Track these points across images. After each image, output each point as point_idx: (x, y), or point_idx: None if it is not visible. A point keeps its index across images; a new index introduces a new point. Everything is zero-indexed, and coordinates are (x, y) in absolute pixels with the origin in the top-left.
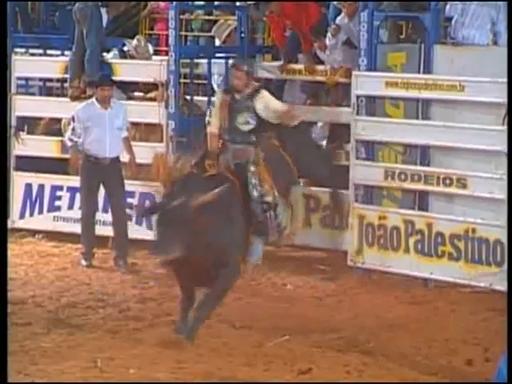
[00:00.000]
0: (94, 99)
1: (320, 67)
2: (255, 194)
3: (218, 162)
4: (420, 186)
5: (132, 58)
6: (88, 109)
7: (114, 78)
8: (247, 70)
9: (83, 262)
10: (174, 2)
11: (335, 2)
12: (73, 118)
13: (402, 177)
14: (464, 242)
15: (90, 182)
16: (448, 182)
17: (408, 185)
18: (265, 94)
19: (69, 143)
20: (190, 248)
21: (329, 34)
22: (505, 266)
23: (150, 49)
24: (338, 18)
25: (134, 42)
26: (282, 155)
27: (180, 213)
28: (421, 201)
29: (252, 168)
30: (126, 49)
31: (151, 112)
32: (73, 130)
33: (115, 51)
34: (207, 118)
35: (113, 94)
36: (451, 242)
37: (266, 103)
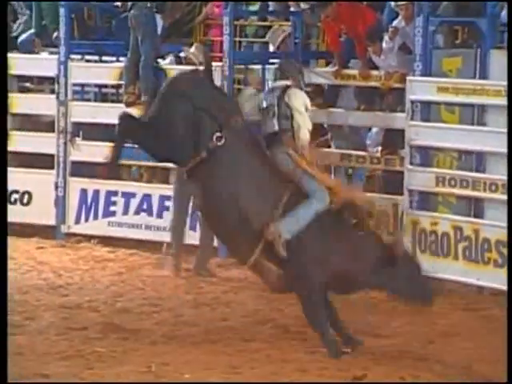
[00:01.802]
0: None
1: (374, 72)
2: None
3: None
4: (468, 192)
5: (189, 63)
6: None
7: None
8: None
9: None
10: (229, 8)
11: (392, 5)
12: None
13: (452, 182)
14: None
15: (182, 192)
16: (494, 187)
17: (457, 190)
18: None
19: None
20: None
21: (386, 37)
22: None
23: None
24: (395, 22)
25: (193, 48)
26: None
27: None
28: (475, 207)
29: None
30: (182, 55)
31: None
32: None
33: (171, 57)
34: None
35: None
36: (497, 249)
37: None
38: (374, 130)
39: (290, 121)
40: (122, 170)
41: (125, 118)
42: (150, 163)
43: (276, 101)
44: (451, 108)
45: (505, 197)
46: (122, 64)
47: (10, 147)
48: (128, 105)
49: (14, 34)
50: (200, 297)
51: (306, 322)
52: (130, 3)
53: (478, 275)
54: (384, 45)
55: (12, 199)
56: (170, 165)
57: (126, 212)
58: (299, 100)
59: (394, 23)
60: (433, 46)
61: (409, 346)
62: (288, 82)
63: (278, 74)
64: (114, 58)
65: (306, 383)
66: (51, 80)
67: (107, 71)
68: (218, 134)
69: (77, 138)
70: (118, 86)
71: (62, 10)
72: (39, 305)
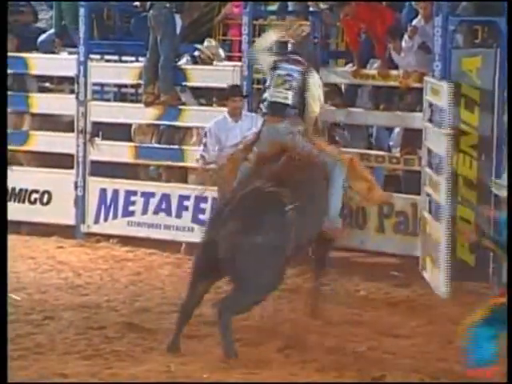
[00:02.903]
0: (226, 113)
1: (393, 72)
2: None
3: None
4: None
5: (203, 61)
6: (219, 123)
7: (186, 83)
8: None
9: None
10: (248, 8)
11: (413, 4)
12: (205, 134)
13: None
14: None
15: None
16: None
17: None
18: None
19: (199, 160)
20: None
21: (406, 36)
22: None
23: (221, 52)
24: (415, 21)
25: (205, 43)
26: None
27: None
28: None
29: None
30: (196, 53)
31: None
32: (204, 145)
33: (187, 57)
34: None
35: (241, 105)
36: None
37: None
38: (396, 130)
39: (303, 99)
40: (140, 169)
41: None
42: (169, 163)
43: (297, 75)
44: (470, 108)
45: None
46: (141, 64)
47: (30, 147)
48: (147, 104)
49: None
50: (219, 296)
51: (325, 322)
52: (149, 3)
53: None
54: (403, 44)
55: (32, 199)
56: (189, 164)
57: (145, 212)
58: (316, 83)
59: (414, 22)
60: (452, 46)
61: (428, 347)
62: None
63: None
64: (133, 58)
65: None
66: (71, 80)
67: (126, 71)
68: None
69: (96, 138)
70: (137, 86)
71: (81, 10)
72: (58, 304)
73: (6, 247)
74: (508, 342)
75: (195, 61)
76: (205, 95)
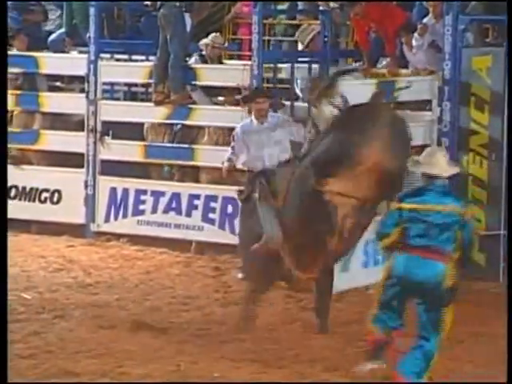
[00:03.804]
0: (252, 116)
1: (403, 71)
2: None
3: None
4: None
5: (209, 57)
6: (246, 126)
7: (197, 82)
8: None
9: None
10: (258, 7)
11: (423, 3)
12: (233, 138)
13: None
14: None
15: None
16: None
17: None
18: None
19: (226, 164)
20: None
21: (416, 35)
22: None
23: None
24: (425, 19)
25: (210, 37)
26: None
27: None
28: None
29: None
30: (204, 53)
31: (234, 116)
32: (232, 148)
33: (196, 56)
34: None
35: (266, 106)
36: None
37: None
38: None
39: None
40: (152, 169)
41: None
42: (181, 162)
43: None
44: (480, 107)
45: None
46: (151, 63)
47: (40, 146)
48: (157, 103)
49: (48, 29)
50: (229, 296)
51: (335, 321)
52: (159, 2)
53: None
54: (414, 42)
55: (42, 198)
56: (201, 164)
57: (155, 211)
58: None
59: (424, 20)
60: (462, 45)
61: (439, 346)
62: None
63: None
64: (143, 57)
65: (335, 383)
66: (81, 79)
67: (137, 70)
68: None
69: (106, 137)
70: (147, 85)
71: (91, 10)
72: (69, 303)
73: (6, 247)
74: (508, 342)
75: (204, 60)
76: (214, 94)
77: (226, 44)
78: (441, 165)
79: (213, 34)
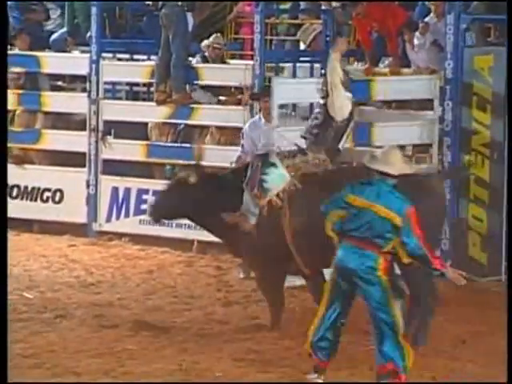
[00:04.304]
0: (260, 114)
1: (405, 70)
2: None
3: None
4: None
5: (211, 58)
6: (253, 124)
7: (199, 82)
8: None
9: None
10: (260, 7)
11: (426, 2)
12: (242, 135)
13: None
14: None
15: None
16: None
17: None
18: None
19: (237, 161)
20: None
21: (417, 33)
22: None
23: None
24: (427, 18)
25: (211, 38)
26: None
27: None
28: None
29: None
30: (206, 54)
31: (236, 116)
32: (242, 146)
33: (198, 58)
34: None
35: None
36: None
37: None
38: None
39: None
40: (155, 168)
41: None
42: (183, 162)
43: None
44: (483, 106)
45: None
46: (153, 62)
47: (42, 145)
48: (159, 103)
49: (49, 28)
50: (231, 295)
51: None
52: (160, 2)
53: None
54: (415, 41)
55: (44, 197)
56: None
57: None
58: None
59: (426, 19)
60: (464, 44)
61: (441, 346)
62: None
63: None
64: (145, 57)
65: (337, 383)
66: (83, 78)
67: (138, 70)
68: None
69: (108, 137)
70: (149, 85)
71: (93, 9)
72: (71, 302)
73: (6, 247)
74: (508, 342)
75: (206, 61)
76: (216, 93)
77: (228, 43)
78: (395, 163)
79: (213, 35)
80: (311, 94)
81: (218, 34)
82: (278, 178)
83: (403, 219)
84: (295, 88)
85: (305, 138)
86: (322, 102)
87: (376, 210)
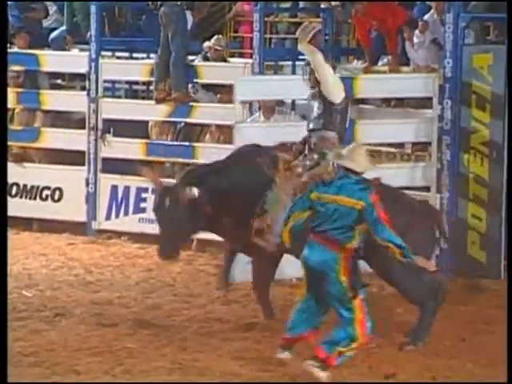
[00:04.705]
0: (260, 111)
1: (405, 68)
2: None
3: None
4: None
5: (213, 59)
6: (254, 121)
7: (198, 80)
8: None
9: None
10: (259, 5)
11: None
12: None
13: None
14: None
15: None
16: None
17: None
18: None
19: None
20: None
21: (417, 32)
22: None
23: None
24: (427, 15)
25: (213, 40)
26: None
27: None
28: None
29: None
30: (208, 54)
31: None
32: None
33: (199, 58)
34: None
35: (273, 103)
36: None
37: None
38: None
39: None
40: (155, 167)
41: None
42: (183, 160)
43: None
44: (482, 105)
45: None
46: (152, 61)
47: (42, 144)
48: (158, 101)
49: (46, 25)
50: (230, 293)
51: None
52: (159, 1)
53: None
54: (415, 39)
55: (43, 196)
56: (201, 161)
57: None
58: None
59: (426, 16)
60: (463, 43)
61: (440, 344)
62: None
63: None
64: (144, 55)
65: (337, 383)
66: (82, 77)
67: (138, 68)
68: None
69: (107, 135)
70: (148, 83)
71: (92, 8)
72: (70, 301)
73: (6, 247)
74: (508, 342)
75: (207, 61)
76: (216, 92)
77: (228, 42)
78: (359, 160)
79: (215, 37)
80: (275, 91)
81: (220, 36)
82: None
83: (367, 206)
84: (258, 85)
85: (313, 130)
86: (313, 91)
87: (339, 201)
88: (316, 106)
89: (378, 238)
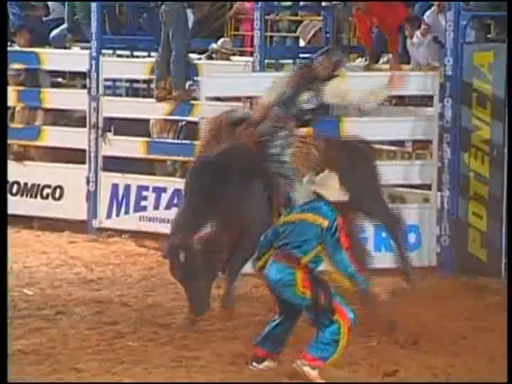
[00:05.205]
0: None
1: (406, 66)
2: (278, 168)
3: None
4: None
5: (218, 58)
6: None
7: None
8: (336, 60)
9: None
10: (260, 3)
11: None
12: None
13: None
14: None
15: None
16: None
17: None
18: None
19: None
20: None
21: (417, 33)
22: None
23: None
24: (428, 12)
25: (220, 42)
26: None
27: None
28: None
29: (281, 142)
30: (213, 55)
31: None
32: None
33: (204, 59)
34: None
35: None
36: None
37: (339, 86)
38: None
39: None
40: (156, 165)
41: None
42: (183, 158)
43: None
44: (483, 103)
45: None
46: (153, 59)
47: (42, 142)
48: (159, 100)
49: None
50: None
51: None
52: None
53: None
54: (415, 39)
55: (44, 194)
56: None
57: (156, 207)
58: None
59: (427, 13)
60: (464, 41)
61: (441, 342)
62: None
63: None
64: (145, 53)
65: (338, 382)
66: (83, 75)
67: (139, 66)
68: None
69: (108, 133)
70: (149, 81)
71: (93, 6)
72: (71, 299)
73: (6, 247)
74: (508, 342)
75: (211, 58)
76: None
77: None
78: (331, 188)
79: (222, 39)
80: (242, 87)
81: (227, 39)
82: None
83: (331, 225)
84: (224, 82)
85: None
86: None
87: (303, 217)
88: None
89: (331, 260)
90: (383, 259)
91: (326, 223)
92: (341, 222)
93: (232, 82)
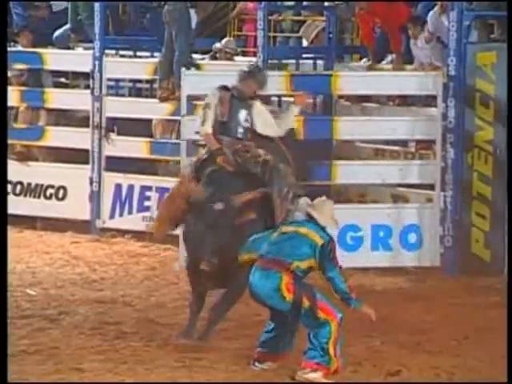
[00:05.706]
0: None
1: (409, 67)
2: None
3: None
4: None
5: (221, 59)
6: None
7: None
8: (260, 81)
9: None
10: (263, 3)
11: None
12: None
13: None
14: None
15: None
16: None
17: None
18: (260, 108)
19: None
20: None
21: (421, 37)
22: None
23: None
24: (431, 13)
25: (224, 41)
26: (287, 158)
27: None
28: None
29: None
30: (217, 55)
31: None
32: None
33: (207, 59)
34: (199, 119)
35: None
36: None
37: (264, 120)
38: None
39: None
40: (159, 164)
41: None
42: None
43: None
44: (486, 102)
45: None
46: (156, 59)
47: (46, 142)
48: (162, 100)
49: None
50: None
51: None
52: None
53: None
54: (419, 43)
55: (47, 194)
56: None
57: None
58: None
59: (430, 13)
60: (467, 41)
61: (444, 342)
62: None
63: None
64: (148, 54)
65: (341, 382)
66: (86, 75)
67: (142, 66)
68: None
69: (111, 133)
70: (152, 82)
71: (96, 6)
72: (74, 299)
73: (6, 247)
74: (508, 342)
75: (215, 58)
76: None
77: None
78: (326, 214)
79: (225, 39)
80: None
81: (231, 38)
82: None
83: (328, 245)
84: (204, 80)
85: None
86: None
87: (299, 231)
88: None
89: (324, 276)
90: (380, 258)
91: (321, 242)
92: (334, 246)
93: (214, 80)
